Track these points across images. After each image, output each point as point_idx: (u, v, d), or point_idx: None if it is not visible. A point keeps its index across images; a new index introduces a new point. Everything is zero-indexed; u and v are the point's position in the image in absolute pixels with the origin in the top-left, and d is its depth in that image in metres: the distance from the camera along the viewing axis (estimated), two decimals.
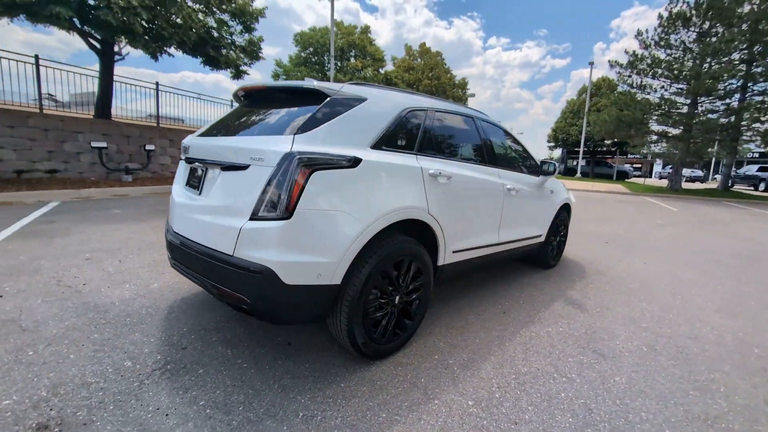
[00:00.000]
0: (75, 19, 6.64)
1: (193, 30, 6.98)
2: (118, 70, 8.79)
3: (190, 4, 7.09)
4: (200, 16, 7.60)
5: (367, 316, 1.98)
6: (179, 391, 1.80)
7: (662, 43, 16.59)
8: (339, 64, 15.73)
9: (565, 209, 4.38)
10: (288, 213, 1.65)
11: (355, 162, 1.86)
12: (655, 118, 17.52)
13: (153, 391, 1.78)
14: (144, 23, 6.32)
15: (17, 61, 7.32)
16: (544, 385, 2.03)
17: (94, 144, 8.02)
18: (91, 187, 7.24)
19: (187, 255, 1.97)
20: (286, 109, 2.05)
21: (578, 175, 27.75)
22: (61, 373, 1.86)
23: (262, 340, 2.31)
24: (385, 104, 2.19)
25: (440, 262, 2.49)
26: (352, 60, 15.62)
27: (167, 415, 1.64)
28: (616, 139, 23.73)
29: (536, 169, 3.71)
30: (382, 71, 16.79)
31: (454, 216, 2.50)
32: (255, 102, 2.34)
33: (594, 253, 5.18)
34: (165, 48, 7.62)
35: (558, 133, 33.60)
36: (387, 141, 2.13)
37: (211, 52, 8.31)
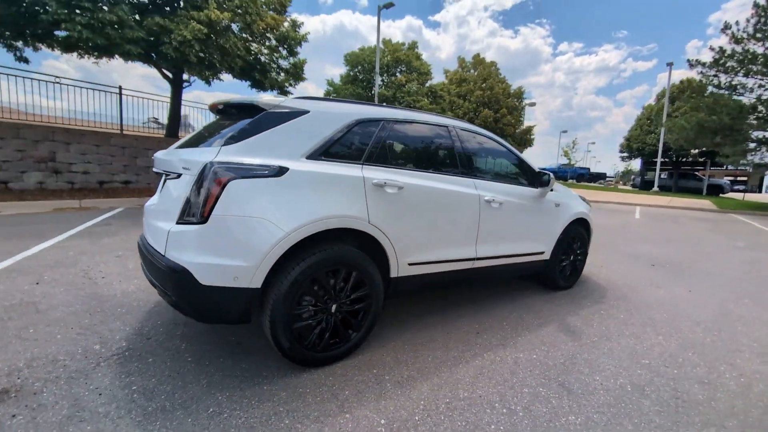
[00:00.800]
0: (152, 54, 7.91)
1: (239, 57, 7.84)
2: (190, 95, 10.16)
3: (237, 33, 7.98)
4: (246, 44, 8.48)
5: (294, 321, 2.01)
6: (123, 375, 2.00)
7: (758, 35, 14.16)
8: (385, 80, 16.19)
9: (581, 225, 3.95)
10: (203, 218, 1.78)
11: (280, 171, 1.94)
12: (751, 122, 14.89)
13: (102, 373, 2.01)
14: (198, 54, 7.28)
15: (106, 91, 8.89)
16: (477, 415, 1.85)
17: None
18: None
19: (143, 255, 2.21)
20: (233, 122, 2.22)
21: (655, 188, 24.54)
22: (42, 350, 2.20)
23: (216, 338, 2.46)
24: (329, 116, 2.24)
25: (394, 274, 2.43)
26: (398, 75, 15.98)
27: (100, 394, 1.83)
28: (702, 148, 20.62)
29: (535, 180, 3.43)
30: (427, 84, 16.82)
31: (408, 227, 2.44)
32: (222, 116, 2.56)
33: (630, 276, 4.56)
34: (217, 74, 8.66)
35: (632, 142, 30.26)
36: (327, 151, 2.18)
37: (257, 75, 9.22)
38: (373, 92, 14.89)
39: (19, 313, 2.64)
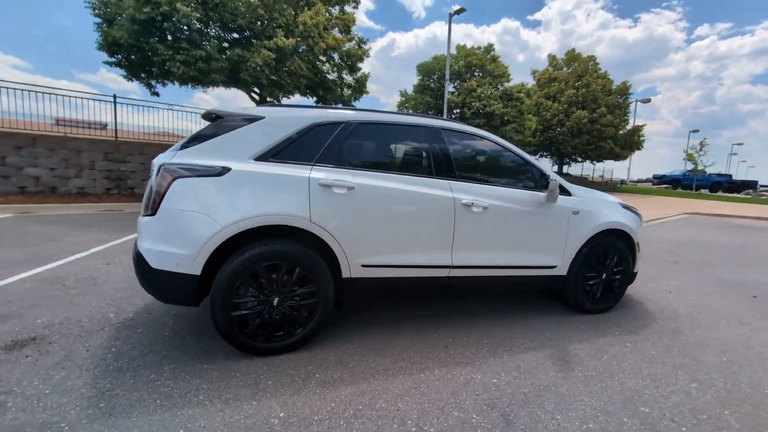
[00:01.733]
0: (233, 80, 9.41)
1: (303, 77, 8.71)
2: None
3: (301, 54, 8.91)
4: (309, 65, 9.36)
5: (233, 309, 2.18)
6: (112, 339, 2.44)
7: None
8: (457, 85, 15.84)
9: (618, 237, 3.28)
10: (154, 211, 2.09)
11: (222, 171, 2.15)
12: None
13: (101, 335, 2.48)
14: (269, 77, 8.35)
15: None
16: (378, 428, 1.74)
17: None
18: None
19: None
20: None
21: None
22: (76, 312, 2.82)
23: (200, 319, 2.79)
24: (284, 121, 2.39)
25: (346, 275, 2.43)
26: (471, 80, 15.44)
27: (87, 350, 2.27)
28: None
29: (543, 184, 3.01)
30: (500, 87, 15.79)
31: (359, 228, 2.41)
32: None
33: (707, 307, 3.60)
34: (286, 94, 9.74)
35: None
36: (278, 153, 2.32)
37: (320, 92, 10.07)
38: (442, 100, 14.76)
39: (82, 284, 3.43)
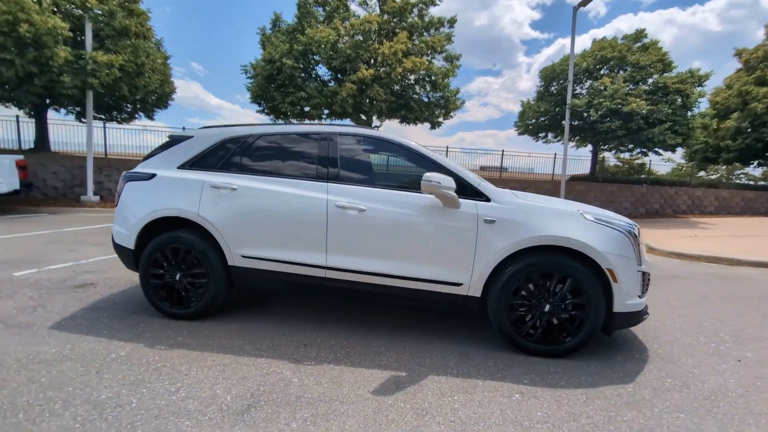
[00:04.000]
0: (339, 111, 11.18)
1: (382, 102, 9.50)
2: None
3: (381, 81, 9.74)
4: (386, 90, 10.08)
5: (150, 278, 2.94)
6: (113, 296, 3.63)
7: None
8: (586, 86, 13.17)
9: (574, 258, 2.46)
10: (116, 203, 3.11)
11: (150, 177, 3.00)
12: None
13: (114, 292, 3.72)
14: (353, 105, 9.54)
15: None
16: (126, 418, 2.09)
17: None
18: None
19: None
20: None
21: None
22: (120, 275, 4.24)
23: None
24: (205, 138, 3.07)
25: (230, 263, 2.87)
26: (604, 77, 12.51)
27: (98, 299, 3.50)
28: None
29: (467, 189, 2.64)
30: (652, 79, 11.98)
31: (238, 222, 2.81)
32: None
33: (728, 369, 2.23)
34: (374, 118, 10.70)
35: None
36: (194, 163, 3.02)
37: (403, 112, 10.55)
38: (562, 105, 12.77)
39: None
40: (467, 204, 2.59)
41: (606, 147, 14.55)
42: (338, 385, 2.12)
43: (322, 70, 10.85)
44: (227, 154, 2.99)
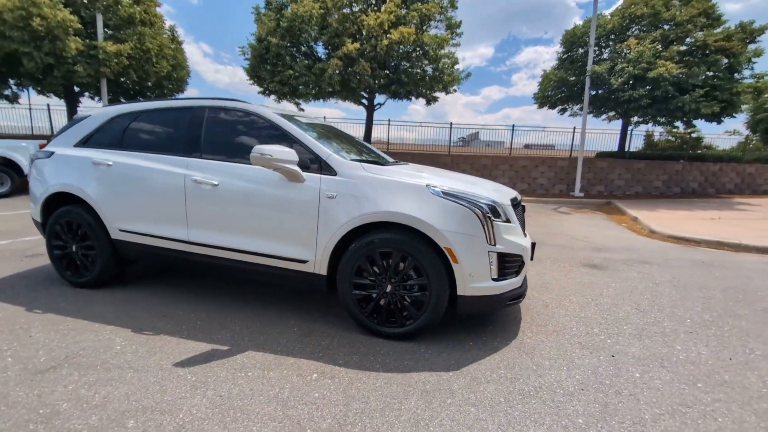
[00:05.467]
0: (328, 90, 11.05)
1: (368, 77, 9.15)
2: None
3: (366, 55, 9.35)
4: (377, 63, 9.61)
5: (54, 249, 3.19)
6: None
7: None
8: (605, 48, 11.56)
9: (415, 236, 2.28)
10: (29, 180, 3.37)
11: (50, 155, 3.20)
12: None
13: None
14: (340, 83, 9.32)
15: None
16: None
17: None
18: None
19: None
20: None
21: None
22: None
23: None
24: (97, 117, 3.20)
25: (113, 236, 3.02)
26: (631, 38, 10.82)
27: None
28: None
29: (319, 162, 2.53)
30: (690, 39, 10.06)
31: (113, 197, 2.93)
32: None
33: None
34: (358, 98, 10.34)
35: None
36: (87, 141, 3.17)
37: (394, 87, 10.04)
38: (582, 73, 11.47)
39: None
40: (312, 178, 2.48)
41: (637, 120, 12.98)
42: (151, 354, 2.19)
43: (319, 48, 10.73)
44: (113, 132, 3.10)
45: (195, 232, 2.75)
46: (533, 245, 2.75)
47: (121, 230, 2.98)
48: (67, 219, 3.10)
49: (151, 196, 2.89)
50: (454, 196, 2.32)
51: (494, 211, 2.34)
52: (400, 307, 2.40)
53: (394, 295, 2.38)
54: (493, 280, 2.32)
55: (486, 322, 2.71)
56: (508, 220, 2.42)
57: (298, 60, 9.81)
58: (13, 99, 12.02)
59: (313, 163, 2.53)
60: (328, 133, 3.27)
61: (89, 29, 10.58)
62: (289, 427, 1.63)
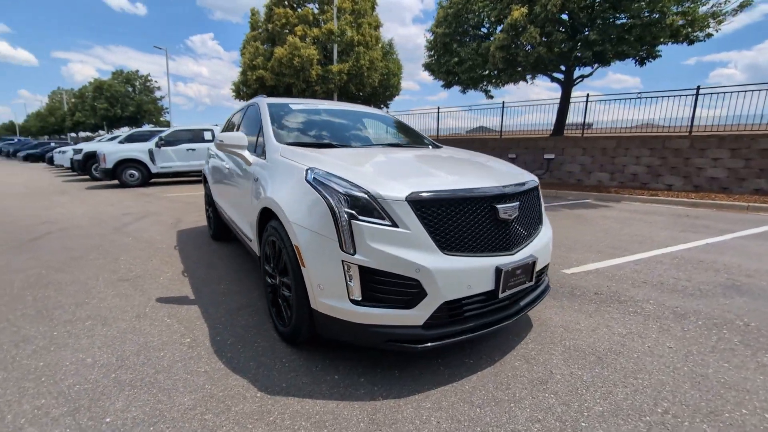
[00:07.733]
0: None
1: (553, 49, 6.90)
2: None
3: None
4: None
5: None
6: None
7: None
8: None
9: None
10: None
11: None
12: None
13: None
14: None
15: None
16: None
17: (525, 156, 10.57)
18: None
19: None
20: None
21: None
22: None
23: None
24: None
25: None
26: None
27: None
28: None
29: None
30: None
31: None
32: None
33: None
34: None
35: None
36: None
37: (597, 48, 6.91)
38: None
39: None
40: (257, 162, 2.57)
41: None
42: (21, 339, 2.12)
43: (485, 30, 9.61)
44: None
45: None
46: (534, 263, 1.75)
47: None
48: None
49: None
50: (321, 182, 1.79)
51: (360, 205, 1.63)
52: (285, 304, 2.13)
53: (278, 289, 2.14)
54: (353, 302, 1.65)
55: None
56: (393, 224, 1.62)
57: (464, 45, 9.22)
58: None
59: (259, 147, 2.61)
60: (332, 117, 3.18)
61: (326, 55, 14.23)
62: None
